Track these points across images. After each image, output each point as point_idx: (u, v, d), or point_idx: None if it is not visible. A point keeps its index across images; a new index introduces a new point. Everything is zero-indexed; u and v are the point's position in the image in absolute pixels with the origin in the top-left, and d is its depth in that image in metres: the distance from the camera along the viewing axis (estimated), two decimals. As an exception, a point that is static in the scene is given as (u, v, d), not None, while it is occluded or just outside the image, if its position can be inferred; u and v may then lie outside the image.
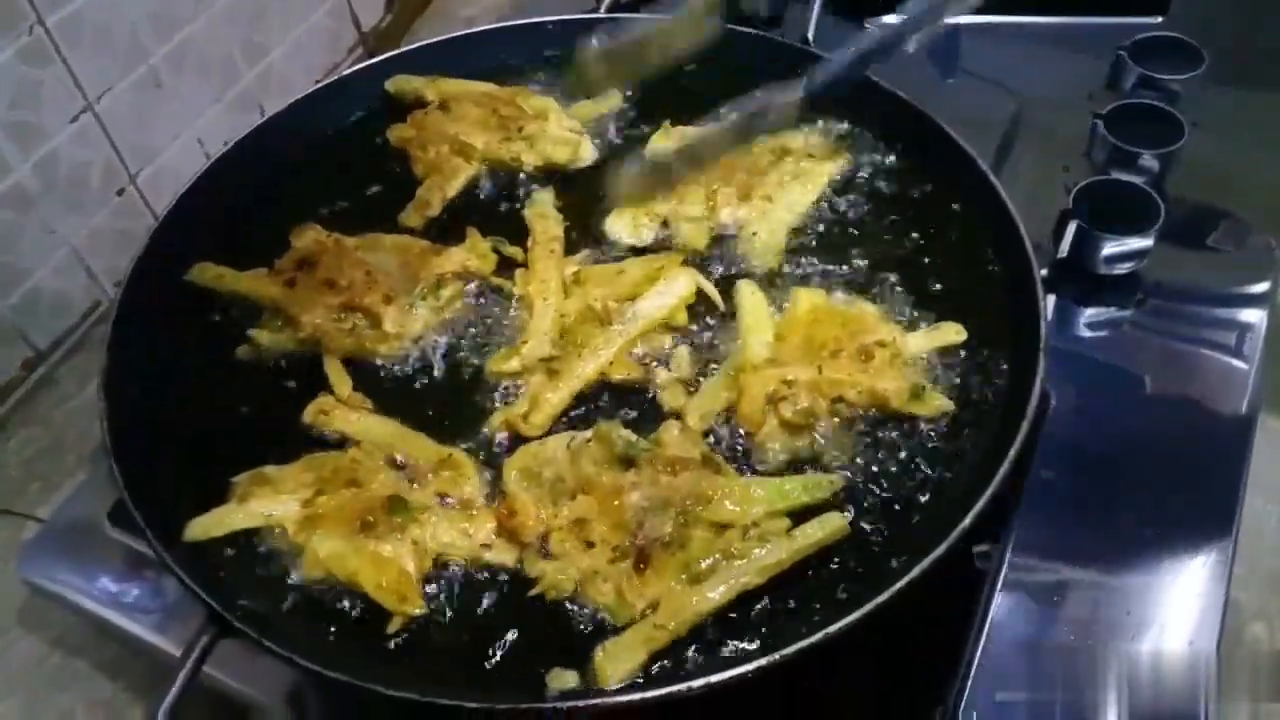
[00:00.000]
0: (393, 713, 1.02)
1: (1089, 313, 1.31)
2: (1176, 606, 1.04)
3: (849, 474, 1.02)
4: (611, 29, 1.16)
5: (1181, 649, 1.01)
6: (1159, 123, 1.37)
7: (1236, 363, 1.24)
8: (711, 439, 1.05)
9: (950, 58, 1.67)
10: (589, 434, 1.03)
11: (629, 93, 1.40)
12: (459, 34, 1.46)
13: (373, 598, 0.94)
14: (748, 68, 1.38)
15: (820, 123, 1.34)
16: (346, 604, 0.95)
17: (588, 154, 1.32)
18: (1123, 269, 1.30)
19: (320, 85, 1.42)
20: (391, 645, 0.93)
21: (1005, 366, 1.09)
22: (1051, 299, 1.28)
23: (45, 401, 1.41)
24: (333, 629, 0.94)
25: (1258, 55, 1.59)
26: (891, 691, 1.05)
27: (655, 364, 1.11)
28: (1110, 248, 1.27)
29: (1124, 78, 1.48)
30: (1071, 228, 1.28)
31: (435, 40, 1.45)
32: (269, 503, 0.99)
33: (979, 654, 1.01)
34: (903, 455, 1.03)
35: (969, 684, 0.99)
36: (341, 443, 1.06)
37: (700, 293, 1.16)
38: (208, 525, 0.98)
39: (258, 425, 1.09)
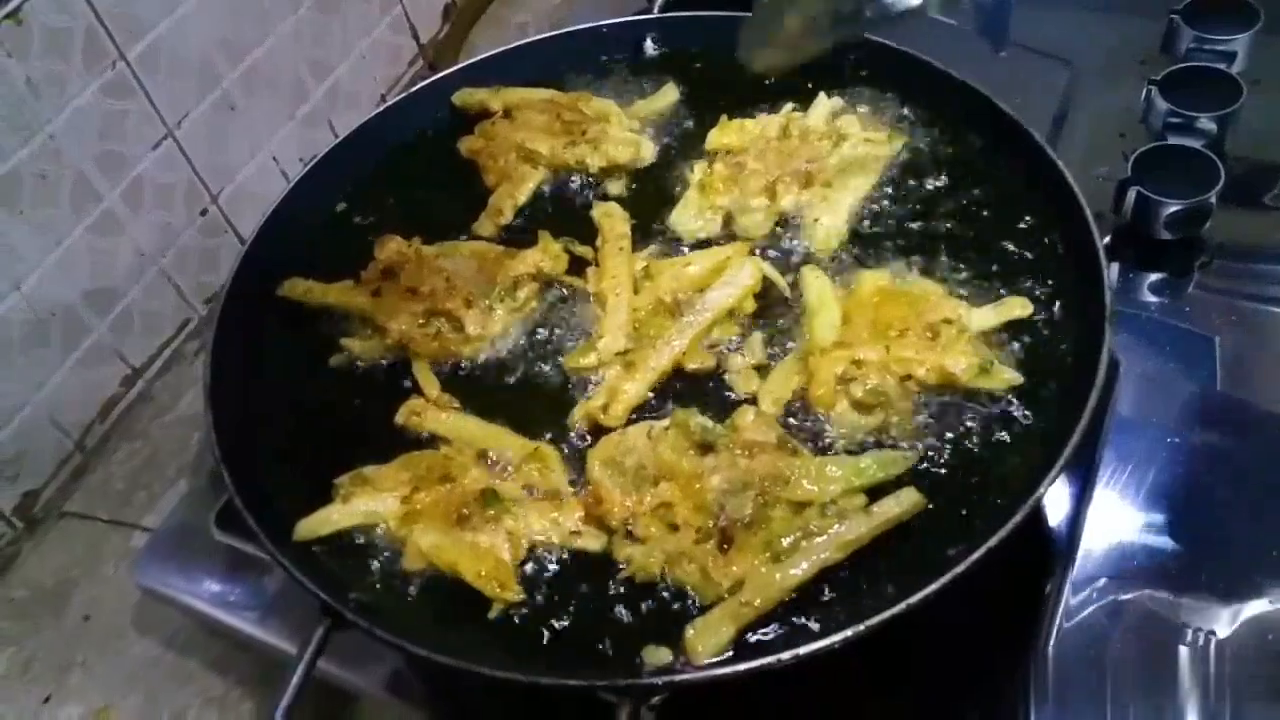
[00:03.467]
0: (494, 693, 1.07)
1: (1153, 278, 1.31)
2: (1256, 563, 1.05)
3: (922, 449, 1.04)
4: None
5: (1263, 607, 1.02)
6: (1215, 84, 1.36)
7: (1306, 319, 1.25)
8: (786, 421, 1.07)
9: (1001, 30, 1.67)
10: (667, 422, 1.06)
11: (683, 90, 1.43)
12: (519, 44, 1.50)
13: (473, 586, 0.98)
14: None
15: (875, 106, 1.36)
16: (448, 593, 0.99)
17: (649, 153, 1.36)
18: (1184, 233, 1.30)
19: (390, 103, 1.46)
20: (493, 630, 0.97)
21: (1072, 337, 1.09)
22: (1115, 266, 1.29)
23: (143, 416, 1.48)
24: (437, 617, 0.98)
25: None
26: (972, 659, 1.07)
27: (727, 352, 1.14)
28: (1171, 213, 1.28)
29: (1178, 40, 1.47)
30: (1131, 195, 1.29)
31: (496, 52, 1.48)
32: (370, 501, 1.04)
33: (1058, 621, 1.03)
34: (974, 429, 1.05)
35: (1048, 654, 1.02)
36: (433, 441, 1.10)
37: (767, 280, 1.18)
38: (315, 525, 1.03)
39: (354, 428, 1.14)
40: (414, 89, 1.47)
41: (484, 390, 1.16)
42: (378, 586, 1.00)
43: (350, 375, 1.19)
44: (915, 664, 1.05)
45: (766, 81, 1.39)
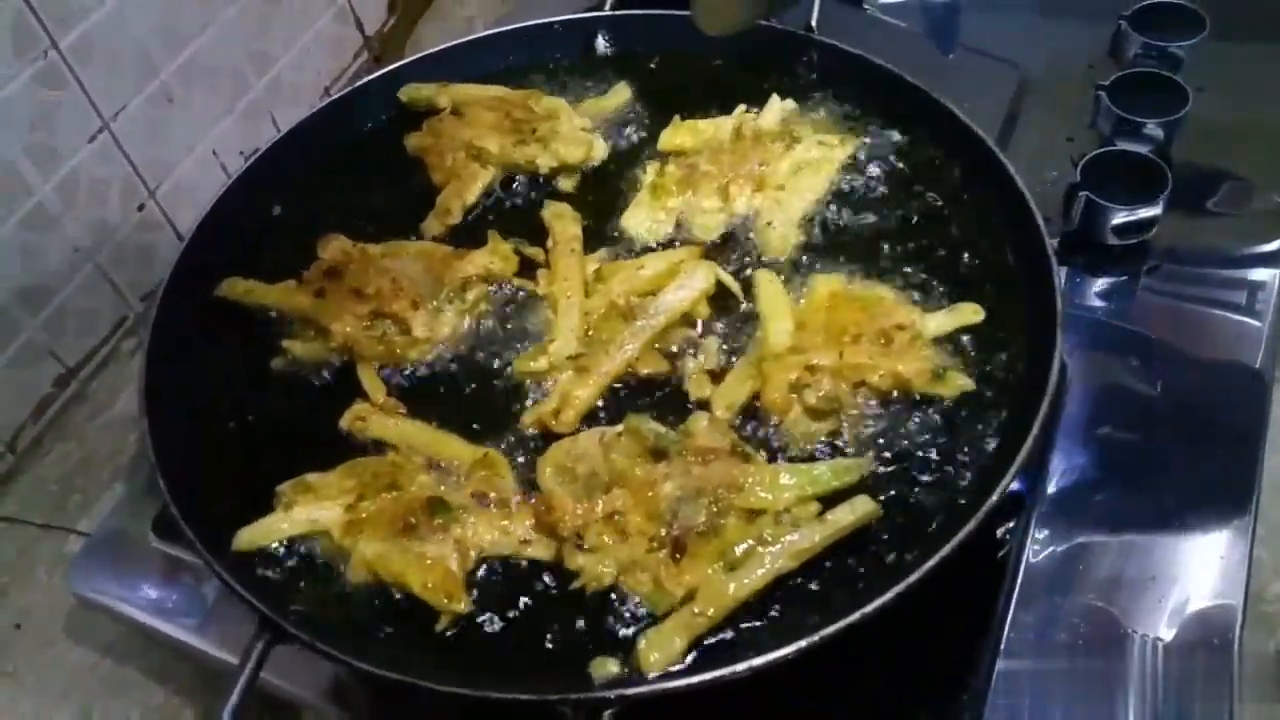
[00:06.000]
0: (443, 708, 1.05)
1: (1101, 282, 1.33)
2: (1200, 567, 1.07)
3: (875, 456, 1.03)
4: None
5: (1207, 609, 1.04)
6: (1163, 90, 1.38)
7: (1250, 321, 1.26)
8: (739, 427, 1.06)
9: (951, 32, 1.68)
10: (619, 428, 1.04)
11: (636, 89, 1.41)
12: (468, 39, 1.47)
13: (420, 597, 0.96)
14: (751, 58, 1.41)
15: (828, 108, 1.35)
16: (394, 604, 0.97)
17: (600, 152, 1.34)
18: (1132, 238, 1.31)
19: (335, 97, 1.43)
20: (440, 643, 0.95)
21: (1023, 341, 1.10)
22: (1063, 271, 1.30)
23: (78, 416, 1.44)
24: (382, 629, 0.96)
25: (1260, 14, 1.60)
26: (923, 666, 1.07)
27: (680, 356, 1.13)
28: (1119, 218, 1.29)
29: (1126, 46, 1.49)
30: (1080, 200, 1.30)
31: (444, 46, 1.45)
32: (313, 509, 1.01)
33: (1006, 626, 1.04)
34: (927, 436, 1.05)
35: (997, 659, 1.02)
36: (379, 447, 1.08)
37: (720, 284, 1.17)
38: (255, 535, 1.00)
39: (296, 434, 1.11)
40: (359, 83, 1.43)
41: (431, 395, 1.13)
42: (320, 598, 0.98)
43: (292, 379, 1.16)
44: (869, 669, 1.05)
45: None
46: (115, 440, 1.42)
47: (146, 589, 1.18)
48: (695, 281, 1.15)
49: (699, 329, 1.15)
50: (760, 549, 0.95)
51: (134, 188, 1.44)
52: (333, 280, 1.18)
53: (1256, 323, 1.26)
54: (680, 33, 1.37)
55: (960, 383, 1.06)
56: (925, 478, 1.02)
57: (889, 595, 0.89)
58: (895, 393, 1.07)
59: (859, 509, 0.97)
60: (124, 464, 1.39)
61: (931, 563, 0.90)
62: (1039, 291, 1.10)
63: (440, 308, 1.17)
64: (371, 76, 1.43)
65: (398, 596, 0.97)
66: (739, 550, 0.96)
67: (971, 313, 1.11)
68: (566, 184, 1.32)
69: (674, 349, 1.14)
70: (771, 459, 1.04)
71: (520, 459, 1.07)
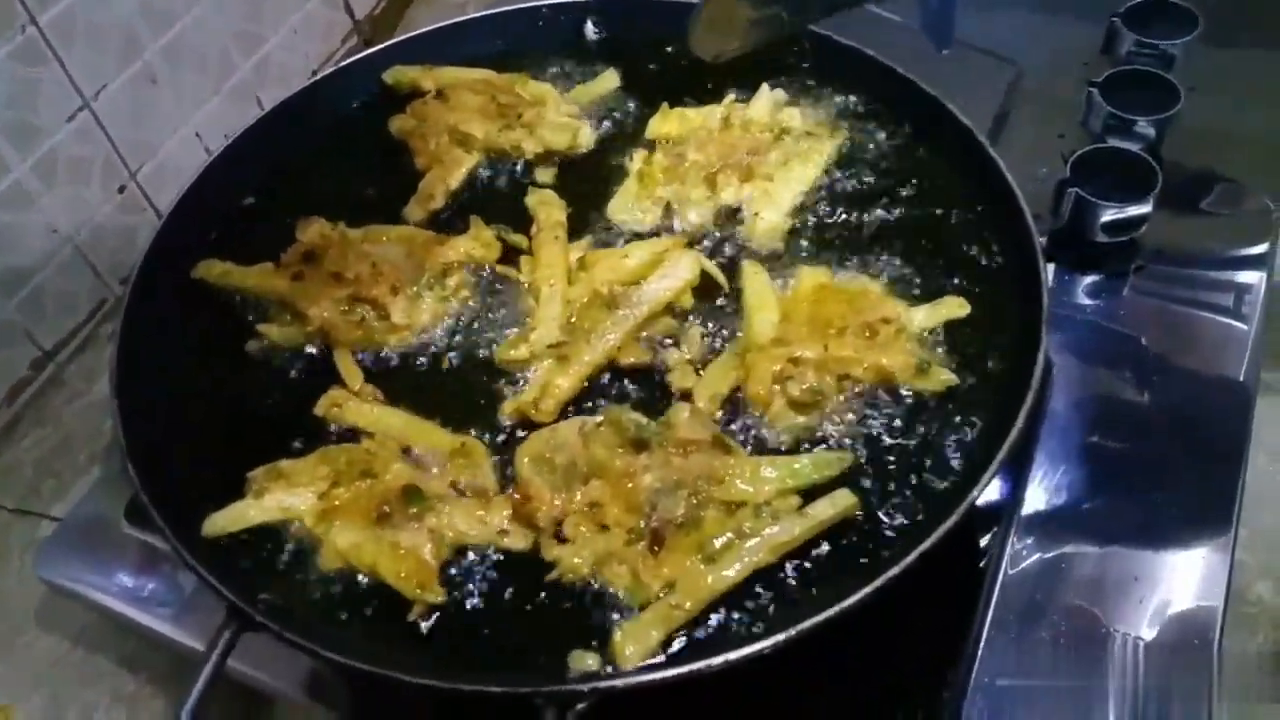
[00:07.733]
0: (417, 700, 1.04)
1: (1089, 280, 1.32)
2: (1183, 568, 1.06)
3: (858, 450, 1.02)
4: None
5: (1188, 610, 1.03)
6: (1155, 88, 1.37)
7: (1236, 324, 1.26)
8: (721, 419, 1.05)
9: (945, 27, 1.66)
10: (600, 418, 1.03)
11: (624, 76, 1.40)
12: (455, 21, 1.45)
13: (393, 587, 0.95)
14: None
15: (818, 100, 1.34)
16: (367, 594, 0.96)
17: (586, 139, 1.33)
18: (1121, 236, 1.30)
19: (319, 77, 1.41)
20: (413, 633, 0.94)
21: (1008, 337, 1.09)
22: (1051, 267, 1.29)
23: (55, 400, 1.42)
24: (354, 619, 0.95)
25: (1253, 15, 1.59)
26: (903, 662, 1.06)
27: (663, 347, 1.12)
28: (1108, 216, 1.29)
29: (1119, 43, 1.48)
30: (1070, 197, 1.29)
31: (430, 29, 1.44)
32: (285, 496, 0.99)
33: (987, 624, 1.03)
34: (911, 430, 1.04)
35: (977, 657, 1.01)
36: (355, 435, 1.07)
37: (705, 274, 1.16)
38: (226, 521, 0.99)
39: (271, 419, 1.09)
40: (343, 64, 1.42)
41: (409, 382, 1.12)
42: (291, 587, 0.96)
43: (268, 363, 1.14)
44: (847, 664, 1.04)
45: (710, 59, 1.35)
46: (92, 425, 1.40)
47: (120, 576, 1.17)
48: (680, 271, 1.14)
49: (683, 319, 1.14)
50: (739, 542, 0.95)
51: (115, 169, 1.42)
52: (311, 264, 1.17)
53: (1242, 325, 1.26)
54: (669, 19, 1.36)
55: (944, 377, 1.06)
56: (908, 472, 1.01)
57: (868, 590, 0.88)
58: (879, 386, 1.06)
59: (840, 503, 0.97)
60: (100, 449, 1.37)
61: (911, 557, 0.89)
62: (1026, 287, 1.09)
63: (420, 294, 1.15)
64: (356, 57, 1.42)
65: (371, 586, 0.96)
66: (718, 543, 0.95)
67: (957, 306, 1.10)
68: (551, 170, 1.31)
69: (657, 339, 1.12)
70: (753, 451, 1.03)
71: (499, 448, 1.06)
